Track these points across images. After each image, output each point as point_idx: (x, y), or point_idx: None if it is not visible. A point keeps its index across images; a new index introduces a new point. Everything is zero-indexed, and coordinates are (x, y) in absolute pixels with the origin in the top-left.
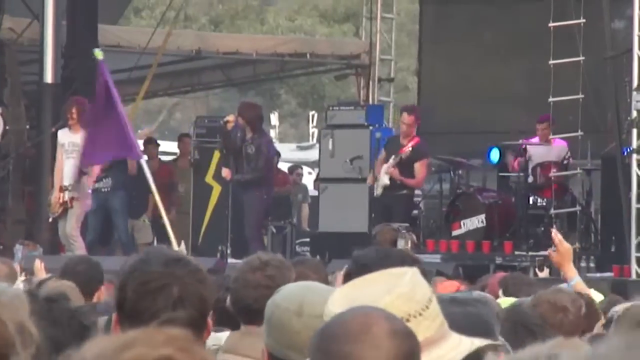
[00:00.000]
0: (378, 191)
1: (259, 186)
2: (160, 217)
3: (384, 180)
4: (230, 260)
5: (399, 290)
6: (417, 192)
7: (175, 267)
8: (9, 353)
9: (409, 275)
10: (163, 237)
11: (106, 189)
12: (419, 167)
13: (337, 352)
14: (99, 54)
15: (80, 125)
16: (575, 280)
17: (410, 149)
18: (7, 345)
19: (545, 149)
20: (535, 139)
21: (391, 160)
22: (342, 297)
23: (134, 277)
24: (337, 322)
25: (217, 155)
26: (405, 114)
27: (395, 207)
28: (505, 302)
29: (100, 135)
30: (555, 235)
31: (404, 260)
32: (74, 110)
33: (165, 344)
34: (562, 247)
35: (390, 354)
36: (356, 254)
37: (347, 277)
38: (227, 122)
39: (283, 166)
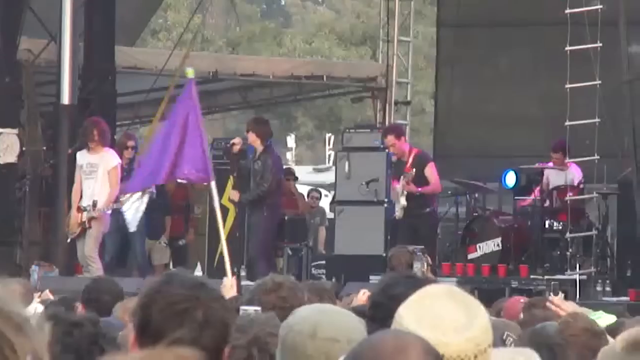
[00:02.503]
0: (399, 214)
1: (262, 204)
2: (178, 240)
3: (402, 202)
4: (244, 282)
5: (485, 317)
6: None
7: (200, 291)
8: None
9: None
10: (179, 259)
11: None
12: (429, 172)
13: None
14: (190, 72)
15: (102, 145)
16: None
17: (413, 169)
18: None
19: (562, 173)
20: (551, 164)
21: (402, 181)
22: (416, 314)
23: (159, 298)
24: (370, 345)
25: (232, 177)
26: (384, 140)
27: (420, 226)
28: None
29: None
30: (552, 300)
31: None
32: (95, 132)
33: None
34: (565, 307)
35: None
36: (384, 285)
37: (375, 307)
38: (233, 144)
39: (300, 188)
